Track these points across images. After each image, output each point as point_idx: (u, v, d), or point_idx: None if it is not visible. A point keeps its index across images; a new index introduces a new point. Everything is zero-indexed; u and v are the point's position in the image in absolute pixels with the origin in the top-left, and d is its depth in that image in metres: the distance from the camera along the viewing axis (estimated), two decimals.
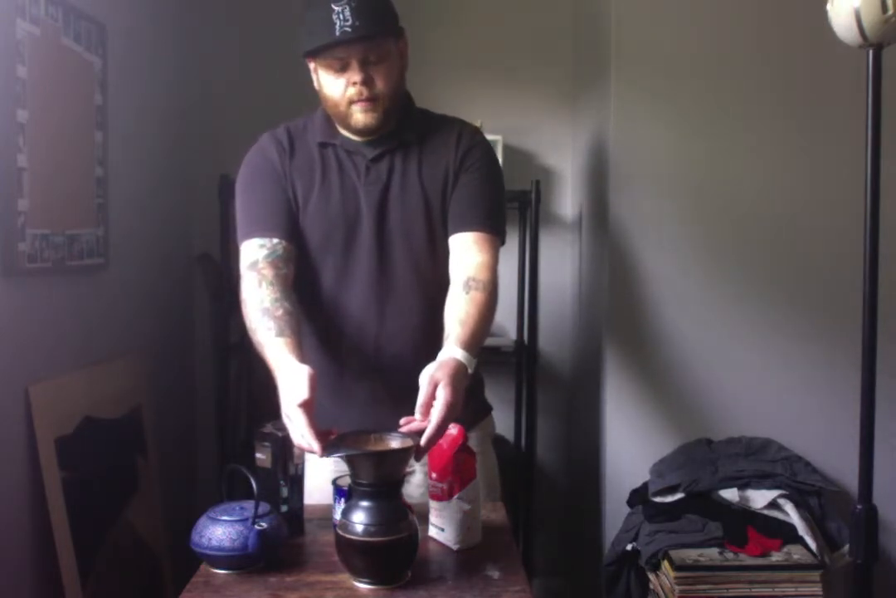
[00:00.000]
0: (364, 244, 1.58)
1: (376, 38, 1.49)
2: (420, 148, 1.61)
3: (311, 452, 1.26)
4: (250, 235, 1.56)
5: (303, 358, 1.38)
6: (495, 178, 1.63)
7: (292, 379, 1.30)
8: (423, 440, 1.26)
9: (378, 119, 1.54)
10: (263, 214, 1.57)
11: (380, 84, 1.51)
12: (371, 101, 1.52)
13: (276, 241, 1.54)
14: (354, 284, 1.59)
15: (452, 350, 1.38)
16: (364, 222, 1.57)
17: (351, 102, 1.52)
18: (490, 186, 1.61)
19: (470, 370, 1.37)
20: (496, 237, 1.58)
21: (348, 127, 1.57)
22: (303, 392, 1.27)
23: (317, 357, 1.59)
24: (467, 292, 1.49)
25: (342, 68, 1.50)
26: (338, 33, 1.45)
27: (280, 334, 1.42)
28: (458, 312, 1.46)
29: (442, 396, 1.28)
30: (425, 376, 1.32)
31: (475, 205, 1.57)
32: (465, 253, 1.55)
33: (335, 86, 1.52)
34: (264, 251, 1.53)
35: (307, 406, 1.27)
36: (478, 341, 1.43)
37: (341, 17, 1.45)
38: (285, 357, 1.37)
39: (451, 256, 1.57)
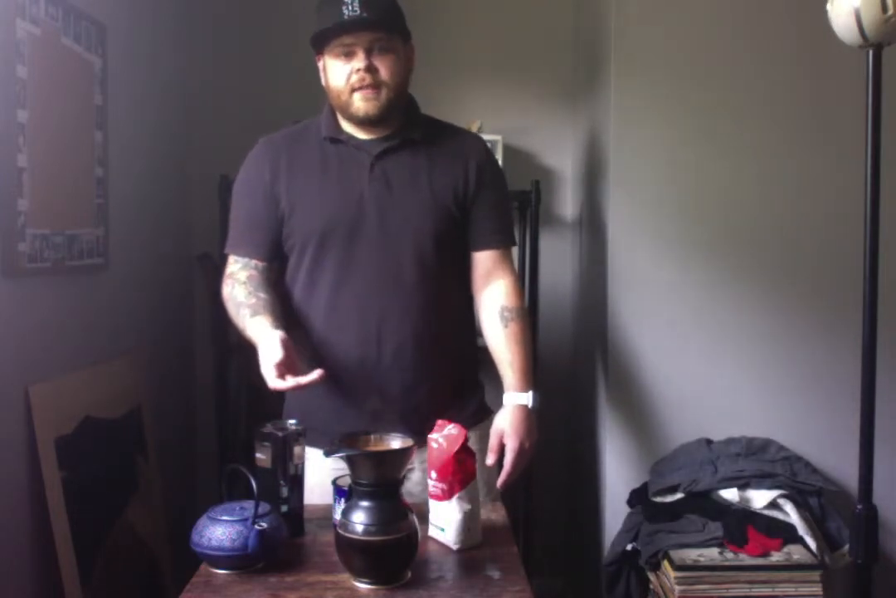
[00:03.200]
0: (368, 238, 1.60)
1: (382, 30, 1.54)
2: (428, 148, 1.64)
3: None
4: (231, 249, 1.70)
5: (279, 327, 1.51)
6: (506, 195, 1.77)
7: (266, 343, 1.44)
8: (498, 483, 1.58)
9: (379, 108, 1.56)
10: (242, 230, 1.68)
11: (383, 73, 1.55)
12: (373, 88, 1.55)
13: (246, 260, 1.66)
14: (357, 278, 1.61)
15: (512, 397, 1.63)
16: (367, 216, 1.60)
17: (353, 90, 1.56)
18: (504, 205, 1.74)
19: (531, 404, 1.62)
20: (511, 245, 1.73)
21: (350, 117, 1.60)
22: (276, 353, 1.40)
23: (318, 351, 1.61)
24: (506, 325, 1.67)
25: (347, 56, 1.55)
26: (346, 18, 1.51)
27: (254, 314, 1.55)
28: (504, 352, 1.66)
29: (509, 444, 1.57)
30: (493, 429, 1.60)
31: (495, 223, 1.70)
32: (491, 274, 1.69)
33: (340, 73, 1.56)
34: (239, 265, 1.67)
35: (281, 367, 1.40)
36: (529, 373, 1.66)
37: (350, 8, 1.51)
38: (261, 328, 1.50)
39: (476, 273, 1.70)
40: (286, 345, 1.43)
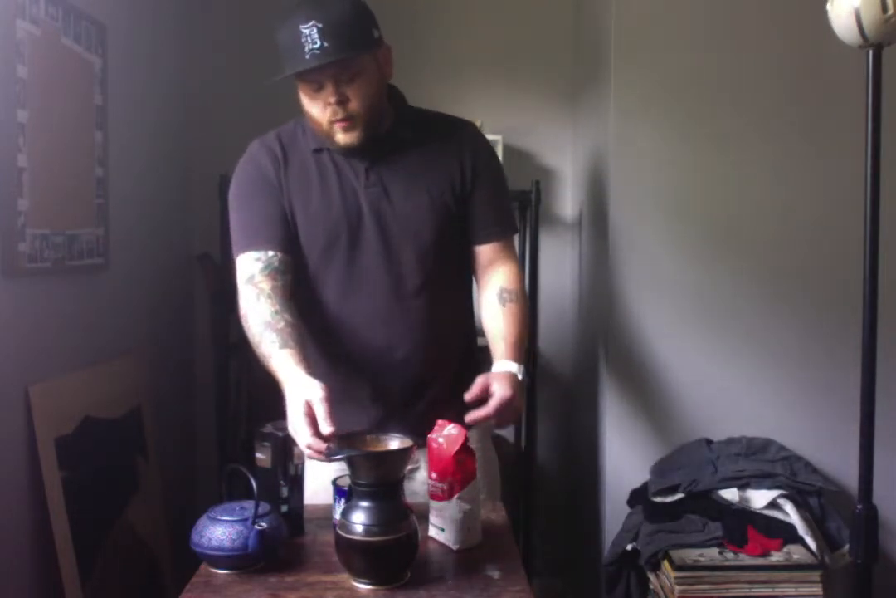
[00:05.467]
0: (369, 247, 1.58)
1: (347, 59, 1.47)
2: (420, 147, 1.61)
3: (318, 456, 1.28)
4: (245, 248, 1.57)
5: (309, 368, 1.40)
6: (503, 178, 1.71)
7: (304, 394, 1.31)
8: (469, 417, 1.41)
9: (359, 138, 1.53)
10: (257, 226, 1.57)
11: (354, 103, 1.50)
12: (348, 120, 1.51)
13: (270, 253, 1.55)
14: (361, 286, 1.58)
15: (504, 364, 1.52)
16: (367, 225, 1.57)
17: (331, 122, 1.52)
18: (502, 190, 1.69)
19: (520, 377, 1.51)
20: (512, 233, 1.69)
21: (333, 145, 1.57)
22: (325, 427, 1.26)
23: (323, 360, 1.59)
24: (503, 305, 1.61)
25: (317, 89, 1.50)
26: (307, 57, 1.44)
27: (283, 345, 1.43)
28: (499, 328, 1.58)
29: (497, 391, 1.42)
30: (479, 379, 1.46)
31: (495, 214, 1.65)
32: (493, 263, 1.65)
33: (313, 106, 1.53)
34: (260, 264, 1.54)
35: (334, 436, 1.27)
36: (522, 350, 1.57)
37: (309, 40, 1.43)
38: (292, 369, 1.39)
39: (478, 264, 1.66)
40: (329, 403, 1.29)
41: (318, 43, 1.43)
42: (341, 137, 1.53)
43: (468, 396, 1.43)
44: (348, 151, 1.56)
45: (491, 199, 1.65)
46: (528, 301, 1.67)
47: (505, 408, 1.42)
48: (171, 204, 2.61)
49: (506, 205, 1.70)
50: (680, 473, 2.07)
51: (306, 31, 1.43)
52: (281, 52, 1.48)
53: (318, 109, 1.52)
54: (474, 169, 1.62)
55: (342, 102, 1.49)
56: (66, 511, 1.77)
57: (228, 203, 1.64)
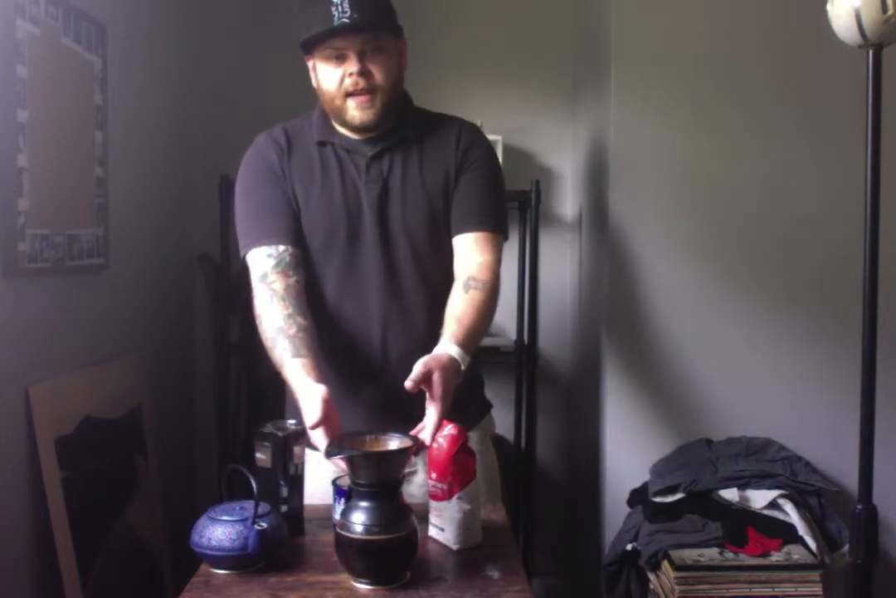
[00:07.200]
0: (368, 243, 1.58)
1: (374, 30, 1.50)
2: (420, 146, 1.61)
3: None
4: (256, 243, 1.56)
5: (319, 376, 1.42)
6: (495, 175, 1.65)
7: (308, 401, 1.35)
8: (427, 436, 1.34)
9: (375, 115, 1.53)
10: (266, 219, 1.57)
11: (377, 76, 1.51)
12: (367, 93, 1.52)
13: (282, 248, 1.55)
14: (360, 283, 1.59)
15: (446, 346, 1.42)
16: (366, 221, 1.57)
17: (347, 95, 1.52)
18: (491, 185, 1.63)
19: (463, 367, 1.42)
20: (499, 235, 1.61)
21: (345, 123, 1.57)
22: (313, 415, 1.31)
23: (323, 357, 1.59)
24: (466, 292, 1.53)
25: (339, 60, 1.51)
26: (336, 24, 1.47)
27: (296, 354, 1.44)
28: (456, 310, 1.50)
29: (437, 390, 1.34)
30: (419, 362, 1.36)
31: (477, 205, 1.60)
32: (468, 253, 1.58)
33: (332, 78, 1.52)
34: (272, 261, 1.54)
35: (322, 426, 1.32)
36: (473, 339, 1.47)
37: (340, 9, 1.47)
38: (303, 379, 1.41)
39: (455, 256, 1.60)
40: (326, 407, 1.32)
41: (349, 12, 1.46)
42: (356, 114, 1.53)
43: (409, 384, 1.33)
44: (360, 129, 1.55)
45: (473, 191, 1.60)
46: (495, 294, 1.56)
47: (444, 409, 1.35)
48: (171, 204, 2.61)
49: (492, 202, 1.62)
50: (680, 473, 2.07)
51: (337, 2, 1.47)
52: (307, 24, 1.50)
53: (335, 81, 1.52)
54: (463, 163, 1.60)
55: (364, 73, 1.50)
56: (66, 511, 1.77)
57: (235, 195, 1.63)
